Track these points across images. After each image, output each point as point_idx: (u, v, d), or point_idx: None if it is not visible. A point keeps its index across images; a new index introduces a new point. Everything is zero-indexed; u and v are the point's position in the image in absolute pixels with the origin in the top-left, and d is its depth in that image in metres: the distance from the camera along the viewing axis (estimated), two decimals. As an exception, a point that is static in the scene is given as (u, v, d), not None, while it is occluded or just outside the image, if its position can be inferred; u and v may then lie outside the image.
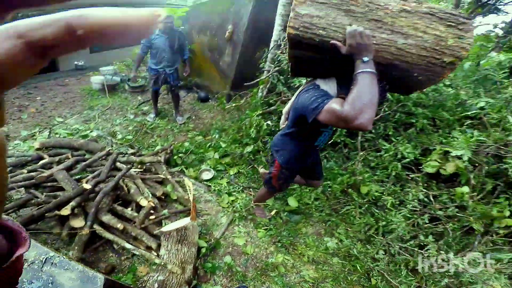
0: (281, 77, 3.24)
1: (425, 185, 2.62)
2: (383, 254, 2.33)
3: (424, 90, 2.75)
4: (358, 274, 2.20)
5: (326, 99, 1.19)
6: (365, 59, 1.07)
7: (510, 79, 2.77)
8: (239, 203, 2.68)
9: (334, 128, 1.91)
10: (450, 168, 2.49)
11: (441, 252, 2.19)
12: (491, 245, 2.34)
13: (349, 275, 2.20)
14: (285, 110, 1.71)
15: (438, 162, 2.51)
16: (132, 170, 2.62)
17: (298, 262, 2.27)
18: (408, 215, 2.44)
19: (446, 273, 2.10)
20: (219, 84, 4.82)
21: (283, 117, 1.75)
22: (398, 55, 1.12)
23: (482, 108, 2.54)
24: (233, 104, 3.89)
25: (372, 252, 2.34)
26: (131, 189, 2.35)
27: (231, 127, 3.67)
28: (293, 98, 1.57)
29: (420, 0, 1.18)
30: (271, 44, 3.45)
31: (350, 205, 2.70)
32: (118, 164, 2.62)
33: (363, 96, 1.05)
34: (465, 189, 2.41)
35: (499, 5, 11.48)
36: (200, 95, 5.06)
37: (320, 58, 1.23)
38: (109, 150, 2.82)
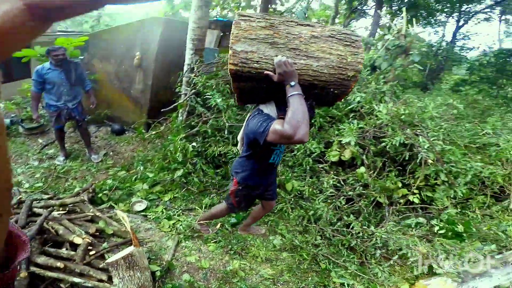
0: (199, 98, 3.41)
1: (335, 172, 3.18)
2: (320, 239, 2.60)
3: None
4: (308, 262, 2.42)
5: (269, 122, 1.41)
6: (292, 83, 1.31)
7: (373, 75, 3.62)
8: (181, 225, 2.70)
9: (285, 146, 2.10)
10: (347, 154, 3.10)
11: (364, 227, 2.57)
12: (398, 213, 2.90)
13: (300, 264, 2.41)
14: (239, 136, 1.89)
15: (338, 151, 3.10)
16: (55, 213, 2.39)
17: (253, 264, 2.40)
18: (329, 200, 2.89)
19: (376, 245, 2.46)
20: (133, 114, 4.65)
21: (239, 143, 1.93)
22: (315, 76, 1.36)
23: (359, 102, 3.25)
24: (153, 132, 3.85)
25: (312, 240, 2.59)
26: (59, 230, 2.17)
27: (155, 156, 3.61)
28: (244, 124, 1.75)
29: (322, 24, 1.45)
30: (185, 68, 3.59)
31: (282, 203, 3.03)
32: (35, 210, 2.37)
33: (296, 115, 1.29)
34: (362, 169, 3.02)
35: (366, 9, 14.18)
36: (114, 128, 4.71)
37: (259, 86, 1.42)
38: (20, 198, 2.51)
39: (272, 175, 2.12)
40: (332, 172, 3.16)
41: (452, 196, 3.06)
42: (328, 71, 1.37)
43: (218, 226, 2.74)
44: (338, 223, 2.69)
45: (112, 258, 1.88)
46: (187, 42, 3.53)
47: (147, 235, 2.60)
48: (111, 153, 4.19)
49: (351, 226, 2.61)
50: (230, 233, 2.72)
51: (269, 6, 7.23)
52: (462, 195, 3.07)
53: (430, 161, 2.59)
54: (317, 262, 2.45)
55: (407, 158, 2.87)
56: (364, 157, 3.05)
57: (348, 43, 1.39)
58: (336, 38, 1.37)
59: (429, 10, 13.06)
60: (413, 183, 2.96)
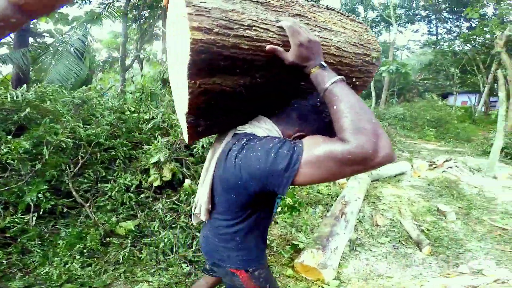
0: None
1: (166, 195, 2.94)
2: (188, 266, 2.33)
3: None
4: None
5: (293, 146, 0.70)
6: (323, 63, 0.73)
7: (165, 88, 3.73)
8: None
9: None
10: (167, 173, 2.97)
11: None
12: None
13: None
14: (200, 199, 0.99)
15: (156, 174, 2.91)
16: None
17: None
18: (174, 225, 2.60)
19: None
20: None
21: (203, 209, 0.99)
22: (340, 56, 0.87)
23: (153, 117, 3.22)
24: None
25: (179, 271, 2.29)
26: None
27: None
28: (207, 176, 0.94)
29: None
30: None
31: (124, 249, 2.43)
32: None
33: (363, 115, 0.65)
34: (187, 182, 2.97)
35: (157, 31, 14.50)
36: None
37: (245, 84, 0.77)
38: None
39: None
40: (164, 197, 2.94)
41: None
42: (352, 50, 0.91)
43: None
44: (194, 242, 2.52)
45: None
46: None
47: None
48: None
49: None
50: None
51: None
52: None
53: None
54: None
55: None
56: (184, 169, 3.04)
57: (351, 18, 1.00)
58: (336, 12, 0.97)
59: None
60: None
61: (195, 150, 3.01)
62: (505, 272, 2.27)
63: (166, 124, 3.15)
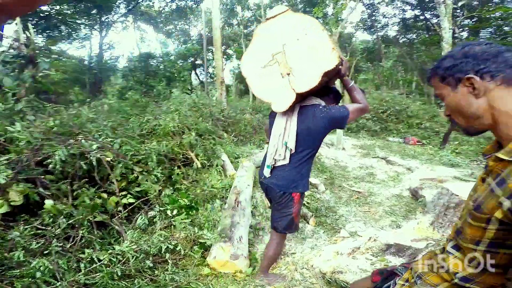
0: None
1: (23, 221, 2.25)
2: None
3: None
4: None
5: (343, 107, 1.68)
6: (348, 74, 1.78)
7: None
8: None
9: None
10: (15, 196, 2.30)
11: (111, 251, 2.17)
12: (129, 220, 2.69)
13: None
14: (291, 142, 1.67)
15: (1, 198, 2.21)
16: None
17: None
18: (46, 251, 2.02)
19: (140, 259, 2.18)
20: None
21: (287, 154, 1.71)
22: None
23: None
24: None
25: None
26: None
27: None
28: (291, 125, 1.67)
29: None
30: None
31: None
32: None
33: (363, 96, 1.74)
34: (48, 202, 2.40)
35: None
36: None
37: (322, 84, 1.65)
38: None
39: None
40: (21, 223, 2.25)
41: (155, 180, 3.28)
42: None
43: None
44: (82, 265, 2.05)
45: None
46: None
47: None
48: None
49: (100, 259, 2.11)
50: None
51: None
52: (163, 175, 3.37)
53: (108, 159, 2.57)
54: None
55: (86, 168, 2.62)
56: (41, 189, 2.43)
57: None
58: None
59: (72, 26, 12.77)
60: (116, 187, 2.84)
61: (51, 166, 2.43)
62: (373, 230, 2.85)
63: (1, 139, 2.41)
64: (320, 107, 1.68)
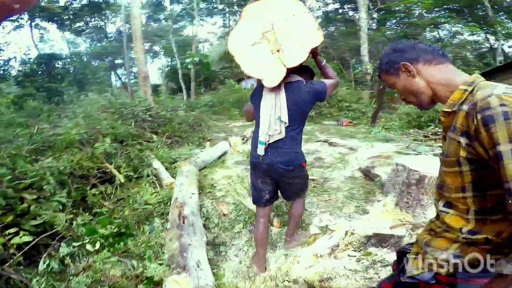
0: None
1: None
2: None
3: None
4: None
5: (321, 82, 1.86)
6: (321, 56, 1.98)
7: None
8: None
9: None
10: None
11: None
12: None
13: None
14: (273, 124, 1.77)
15: None
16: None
17: None
18: None
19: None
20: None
21: (282, 128, 1.77)
22: None
23: None
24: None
25: None
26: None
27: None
28: (281, 99, 1.75)
29: None
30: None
31: None
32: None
33: (334, 73, 1.97)
34: None
35: None
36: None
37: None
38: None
39: None
40: None
41: (61, 207, 2.53)
42: None
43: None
44: None
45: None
46: None
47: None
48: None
49: None
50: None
51: None
52: (70, 199, 2.61)
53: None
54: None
55: None
56: None
57: None
58: None
59: None
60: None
61: None
62: (344, 222, 2.55)
63: None
64: (304, 82, 1.82)
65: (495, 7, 14.75)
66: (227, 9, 23.57)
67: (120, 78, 24.85)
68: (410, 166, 2.53)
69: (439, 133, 5.86)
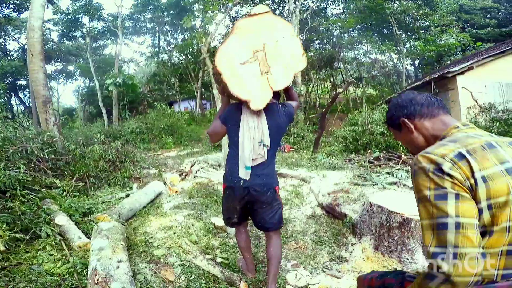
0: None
1: None
2: None
3: None
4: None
5: (290, 105, 1.86)
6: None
7: None
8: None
9: None
10: None
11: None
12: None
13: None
14: (257, 148, 1.69)
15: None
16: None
17: None
18: None
19: None
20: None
21: (265, 151, 1.70)
22: None
23: None
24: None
25: None
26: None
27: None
28: (262, 123, 1.69)
29: None
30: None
31: None
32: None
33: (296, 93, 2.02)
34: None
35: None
36: None
37: None
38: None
39: None
40: None
41: None
42: None
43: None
44: None
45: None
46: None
47: None
48: None
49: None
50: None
51: None
52: None
53: None
54: None
55: None
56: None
57: None
58: None
59: None
60: None
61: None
62: (324, 278, 2.11)
63: None
64: (280, 105, 1.79)
65: (402, 25, 16.20)
66: (157, 28, 22.36)
67: (23, 102, 20.67)
68: (389, 207, 2.19)
69: (381, 158, 6.09)
